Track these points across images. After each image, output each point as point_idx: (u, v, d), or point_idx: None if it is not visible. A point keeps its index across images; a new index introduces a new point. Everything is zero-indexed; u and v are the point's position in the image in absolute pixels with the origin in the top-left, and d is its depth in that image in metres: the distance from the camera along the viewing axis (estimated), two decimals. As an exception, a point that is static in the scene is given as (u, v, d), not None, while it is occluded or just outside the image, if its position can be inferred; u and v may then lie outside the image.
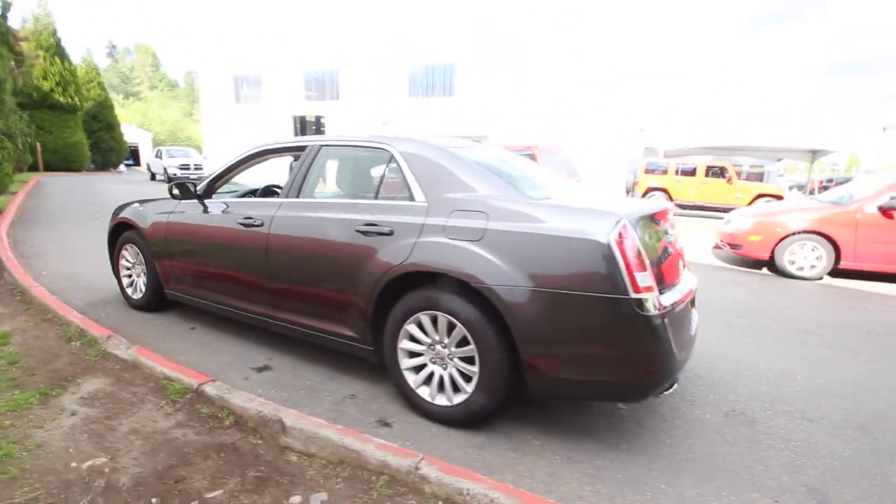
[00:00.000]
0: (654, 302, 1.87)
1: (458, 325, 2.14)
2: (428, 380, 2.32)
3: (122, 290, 3.93)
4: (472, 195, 2.23)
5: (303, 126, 23.88)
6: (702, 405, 2.56)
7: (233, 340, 3.22)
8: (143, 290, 3.72)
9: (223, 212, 3.13)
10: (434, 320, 2.24)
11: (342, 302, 2.52)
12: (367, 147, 2.70)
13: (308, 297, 2.69)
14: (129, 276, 3.88)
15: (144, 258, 3.64)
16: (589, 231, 1.90)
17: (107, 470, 1.80)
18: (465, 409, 2.18)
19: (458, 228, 2.15)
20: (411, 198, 2.38)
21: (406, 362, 2.36)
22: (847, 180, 26.79)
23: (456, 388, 2.23)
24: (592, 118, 18.01)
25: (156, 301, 3.71)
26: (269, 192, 3.81)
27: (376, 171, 2.82)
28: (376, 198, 2.57)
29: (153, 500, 1.66)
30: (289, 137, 3.83)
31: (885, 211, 5.22)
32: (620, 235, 1.87)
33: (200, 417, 2.18)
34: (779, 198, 12.37)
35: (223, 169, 3.32)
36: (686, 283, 2.38)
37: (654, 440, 2.21)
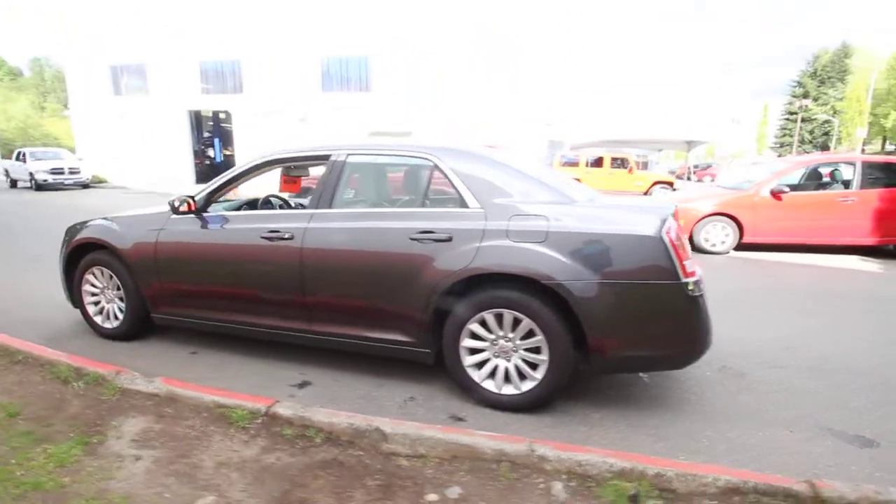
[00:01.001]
0: (696, 284, 2.26)
1: (525, 319, 2.35)
2: (491, 373, 2.50)
3: (88, 319, 3.49)
4: (529, 200, 2.44)
5: (198, 122, 21.82)
6: (699, 365, 3.07)
7: (247, 360, 3.08)
8: (121, 316, 3.36)
9: (232, 227, 2.96)
10: (498, 317, 2.43)
11: (394, 309, 2.59)
12: (406, 156, 2.77)
13: (353, 307, 2.70)
14: (97, 302, 3.46)
15: (122, 282, 3.28)
16: (642, 228, 2.24)
17: (221, 506, 1.74)
18: (534, 395, 2.41)
19: (521, 232, 2.35)
20: (463, 205, 2.53)
21: (469, 359, 2.52)
22: (708, 166, 31.24)
23: (521, 377, 2.45)
24: (499, 112, 18.85)
25: (137, 328, 3.38)
26: (267, 203, 3.63)
27: (417, 180, 2.89)
28: (423, 206, 2.66)
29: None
30: (307, 145, 3.37)
31: (775, 194, 6.45)
32: (669, 230, 2.23)
33: (286, 439, 2.14)
34: (670, 184, 14.24)
35: (224, 180, 3.13)
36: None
37: (681, 399, 2.65)
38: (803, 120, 45.39)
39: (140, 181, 18.84)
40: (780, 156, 40.98)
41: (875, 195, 6.21)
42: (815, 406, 2.57)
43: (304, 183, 3.96)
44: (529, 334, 2.39)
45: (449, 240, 2.45)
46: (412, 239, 2.52)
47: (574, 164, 15.32)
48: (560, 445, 2.00)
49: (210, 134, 24.69)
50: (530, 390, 2.42)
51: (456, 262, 2.42)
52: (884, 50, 32.34)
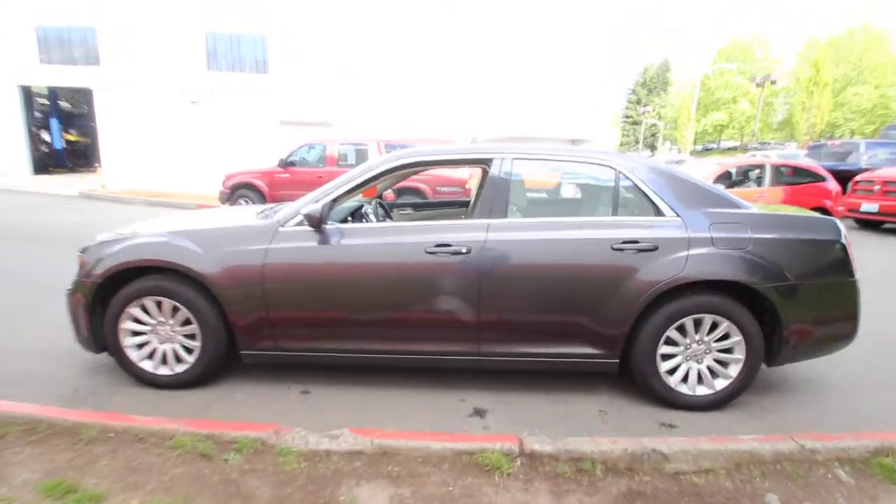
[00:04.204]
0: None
1: (725, 321, 2.47)
2: (678, 376, 2.57)
3: (131, 366, 2.65)
4: (716, 208, 2.55)
5: (28, 98, 17.35)
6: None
7: (381, 395, 2.67)
8: (191, 358, 2.62)
9: (378, 242, 2.52)
10: (696, 322, 2.51)
11: (588, 322, 2.49)
12: (582, 163, 2.65)
13: (538, 324, 2.52)
14: (143, 344, 2.65)
15: (197, 315, 2.55)
16: (827, 233, 2.51)
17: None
18: (727, 393, 2.55)
19: (726, 240, 2.45)
20: (658, 213, 2.53)
21: (664, 366, 2.56)
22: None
23: (713, 377, 2.57)
24: (424, 105, 18.64)
25: (214, 370, 2.69)
26: (356, 212, 3.11)
27: (599, 188, 2.76)
28: (615, 215, 2.58)
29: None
30: (454, 146, 2.73)
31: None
32: (846, 236, 2.54)
33: (567, 478, 1.92)
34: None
35: (349, 186, 2.61)
36: None
37: (813, 376, 3.03)
38: (635, 123, 53.82)
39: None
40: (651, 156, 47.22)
41: (781, 191, 7.74)
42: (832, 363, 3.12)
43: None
44: (724, 336, 2.52)
45: (654, 249, 2.44)
46: (615, 249, 2.44)
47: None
48: (819, 436, 2.17)
49: (42, 114, 19.81)
50: (724, 388, 2.55)
51: (664, 271, 2.42)
52: (698, 66, 39.98)
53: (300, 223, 2.53)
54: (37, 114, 19.20)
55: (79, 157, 21.21)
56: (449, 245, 2.45)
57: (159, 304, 2.59)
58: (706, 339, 2.54)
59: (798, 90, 33.02)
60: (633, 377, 2.62)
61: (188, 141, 15.66)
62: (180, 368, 2.64)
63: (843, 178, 9.07)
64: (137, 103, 15.22)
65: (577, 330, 2.51)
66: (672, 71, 54.65)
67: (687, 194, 2.56)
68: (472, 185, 8.37)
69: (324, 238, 2.53)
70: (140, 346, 2.66)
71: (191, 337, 2.63)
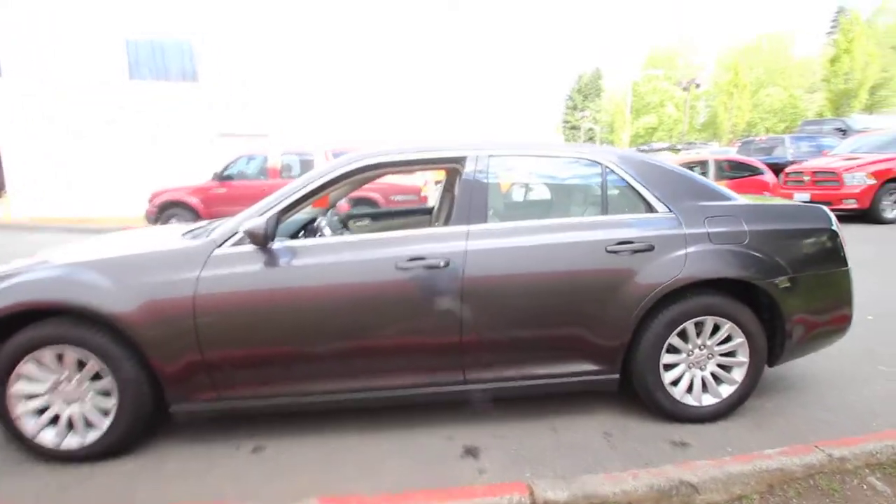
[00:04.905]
0: None
1: (728, 322, 2.28)
2: (682, 386, 2.35)
3: (24, 440, 2.08)
4: (707, 200, 2.36)
5: None
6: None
7: (354, 443, 2.25)
8: (105, 422, 2.09)
9: (336, 259, 2.11)
10: (697, 325, 2.30)
11: (586, 335, 2.22)
12: (566, 158, 2.38)
13: (531, 341, 2.22)
14: (41, 409, 2.09)
15: (112, 365, 2.04)
16: (822, 222, 2.39)
17: None
18: (734, 399, 2.36)
19: (722, 234, 2.26)
20: (650, 209, 2.31)
21: (667, 376, 2.33)
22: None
23: (717, 383, 2.37)
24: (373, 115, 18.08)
25: (136, 434, 2.17)
26: (308, 225, 2.68)
27: (587, 185, 2.48)
28: (605, 213, 2.32)
29: None
30: (419, 143, 2.29)
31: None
32: (837, 223, 2.43)
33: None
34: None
35: (299, 195, 2.19)
36: None
37: (806, 376, 2.91)
38: (574, 128, 56.03)
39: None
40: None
41: (724, 185, 8.02)
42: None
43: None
44: (726, 339, 2.32)
45: (651, 249, 2.21)
46: (609, 251, 2.19)
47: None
48: (841, 441, 1.99)
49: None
50: (730, 395, 2.36)
51: (663, 272, 2.19)
52: (627, 73, 42.33)
53: (240, 242, 2.08)
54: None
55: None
56: (423, 258, 2.10)
57: (60, 357, 2.04)
58: (708, 343, 2.34)
59: (718, 93, 35.53)
60: (633, 392, 2.37)
61: (111, 158, 14.29)
62: (93, 436, 2.09)
63: (774, 170, 9.64)
64: (47, 117, 13.68)
65: (574, 345, 2.23)
66: (604, 78, 57.45)
67: (677, 187, 2.36)
68: (428, 191, 8.05)
69: (271, 258, 2.09)
70: (40, 411, 2.08)
71: (105, 394, 2.09)
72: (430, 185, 8.29)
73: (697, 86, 25.92)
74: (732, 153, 13.02)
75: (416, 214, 3.72)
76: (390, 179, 7.63)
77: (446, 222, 2.28)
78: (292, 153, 8.55)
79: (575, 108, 58.44)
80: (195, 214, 8.14)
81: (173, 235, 2.42)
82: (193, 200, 8.21)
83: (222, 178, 8.36)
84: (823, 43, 36.51)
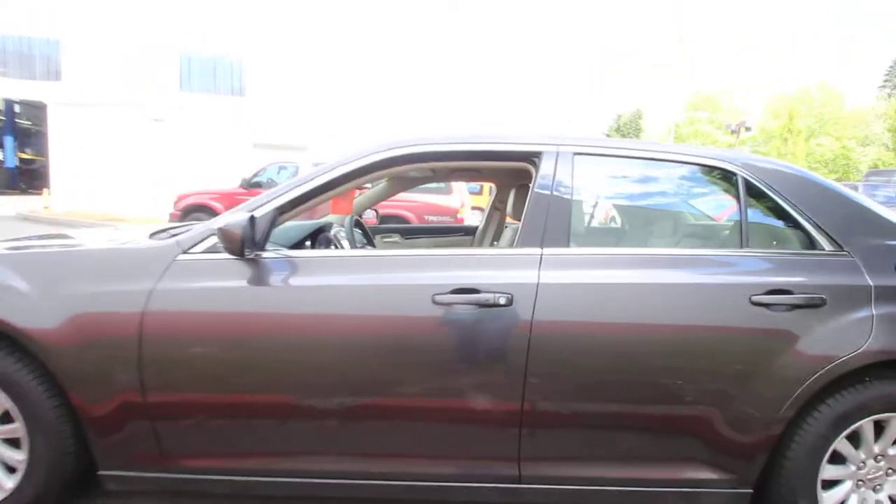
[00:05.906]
0: None
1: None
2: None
3: None
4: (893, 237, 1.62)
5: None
6: None
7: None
8: (15, 483, 1.49)
9: (347, 281, 1.47)
10: (877, 425, 1.52)
11: (706, 424, 1.48)
12: (687, 162, 1.68)
13: (623, 426, 1.50)
14: None
15: (21, 405, 1.43)
16: None
17: None
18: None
19: (924, 290, 1.50)
20: (810, 244, 1.58)
21: (825, 498, 1.54)
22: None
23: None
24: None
25: (52, 500, 1.53)
26: (320, 235, 2.06)
27: (712, 202, 1.78)
28: (744, 246, 1.59)
29: None
30: (483, 133, 1.60)
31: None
32: None
33: None
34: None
35: (300, 191, 1.57)
36: None
37: None
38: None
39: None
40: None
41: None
42: None
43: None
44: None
45: (821, 304, 1.47)
46: (756, 303, 1.46)
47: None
48: None
49: (-4, 130, 18.22)
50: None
51: (838, 342, 1.45)
52: (669, 115, 41.69)
53: (212, 248, 1.46)
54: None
55: (35, 178, 19.48)
56: (473, 290, 1.41)
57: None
58: (890, 452, 1.55)
59: (768, 139, 34.21)
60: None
61: (151, 162, 14.44)
62: (-15, 502, 1.47)
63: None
64: (96, 121, 13.98)
65: (687, 437, 1.50)
66: (644, 118, 56.79)
67: (850, 215, 1.63)
68: (465, 215, 7.41)
69: (258, 272, 1.46)
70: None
71: (13, 444, 1.48)
72: (466, 208, 7.66)
73: (748, 129, 24.81)
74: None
75: (456, 234, 3.07)
76: (425, 197, 7.06)
77: (515, 243, 1.60)
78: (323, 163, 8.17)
79: (613, 148, 57.72)
80: (219, 220, 7.78)
81: (138, 234, 1.84)
82: (218, 206, 7.86)
83: (250, 184, 8.03)
84: (876, 95, 35.34)
